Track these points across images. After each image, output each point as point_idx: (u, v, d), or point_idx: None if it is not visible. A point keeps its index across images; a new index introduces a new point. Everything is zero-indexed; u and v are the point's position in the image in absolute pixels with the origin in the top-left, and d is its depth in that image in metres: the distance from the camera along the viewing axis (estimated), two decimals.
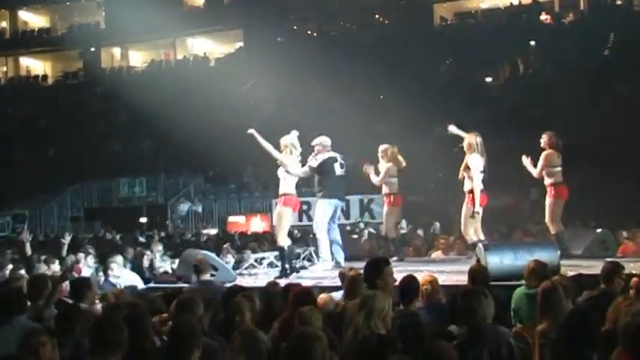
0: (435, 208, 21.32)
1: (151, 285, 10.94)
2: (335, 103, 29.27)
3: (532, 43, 32.31)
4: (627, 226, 15.83)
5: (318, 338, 4.66)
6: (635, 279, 7.03)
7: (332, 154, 12.14)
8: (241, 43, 42.25)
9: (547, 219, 11.60)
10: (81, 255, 12.97)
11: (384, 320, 5.88)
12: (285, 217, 11.52)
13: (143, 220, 27.42)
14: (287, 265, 11.33)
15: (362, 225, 20.73)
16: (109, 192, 29.98)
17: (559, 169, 11.58)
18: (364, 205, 23.67)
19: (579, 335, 5.56)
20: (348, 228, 20.43)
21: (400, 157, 12.84)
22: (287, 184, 11.49)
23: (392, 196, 12.89)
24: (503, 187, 20.00)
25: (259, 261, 12.68)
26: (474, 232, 11.47)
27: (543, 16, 34.71)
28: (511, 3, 36.62)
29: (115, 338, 5.23)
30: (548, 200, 11.57)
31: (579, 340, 5.54)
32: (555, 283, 6.85)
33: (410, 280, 7.22)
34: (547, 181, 11.57)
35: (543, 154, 11.60)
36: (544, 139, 11.68)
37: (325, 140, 12.26)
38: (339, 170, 12.13)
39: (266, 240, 17.82)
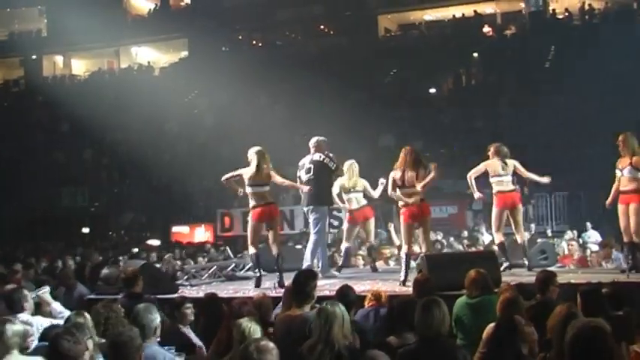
0: (380, 218, 21.40)
1: (92, 296, 10.79)
2: (279, 113, 29.28)
3: (475, 55, 32.70)
4: (569, 234, 16.11)
5: (268, 350, 4.61)
6: (604, 290, 7.11)
7: (305, 158, 12.15)
8: (186, 53, 42.06)
9: (493, 228, 11.69)
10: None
11: (345, 331, 5.86)
12: (251, 230, 11.45)
13: (85, 230, 27.06)
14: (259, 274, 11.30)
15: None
16: (50, 202, 29.54)
17: (502, 178, 11.64)
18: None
19: (507, 346, 5.61)
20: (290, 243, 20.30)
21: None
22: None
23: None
24: (447, 197, 20.22)
25: (201, 271, 12.60)
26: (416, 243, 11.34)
27: (486, 29, 35.17)
28: (454, 15, 37.00)
29: None
30: (494, 210, 11.63)
31: (507, 350, 5.59)
32: (515, 292, 6.91)
33: (346, 291, 7.22)
34: (494, 189, 11.63)
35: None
36: (491, 149, 11.74)
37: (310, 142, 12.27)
38: (303, 175, 12.07)
39: (209, 251, 17.74)
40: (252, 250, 11.38)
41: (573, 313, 5.85)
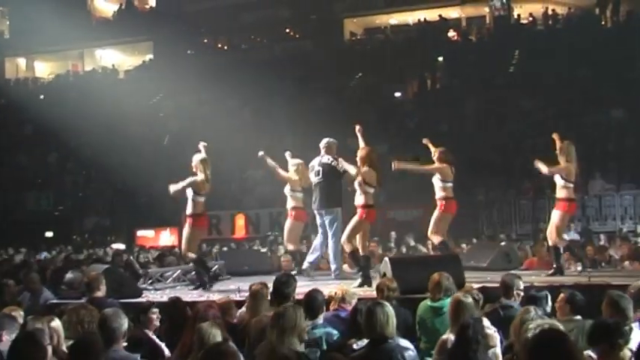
0: (346, 221, 21.41)
1: (54, 301, 10.69)
2: (245, 117, 29.24)
3: (440, 59, 32.87)
4: (535, 239, 16.23)
5: (230, 354, 4.57)
6: (562, 295, 7.15)
7: (315, 160, 12.23)
8: (151, 56, 41.82)
9: (430, 230, 11.72)
10: None
11: (299, 335, 5.86)
12: (193, 238, 11.56)
13: (49, 234, 26.82)
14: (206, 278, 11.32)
15: (272, 238, 20.68)
16: (14, 205, 29.25)
17: (450, 184, 11.71)
18: (274, 218, 23.61)
19: (470, 347, 5.64)
20: (256, 246, 20.27)
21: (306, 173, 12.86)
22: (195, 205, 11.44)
23: (295, 211, 12.90)
24: (411, 200, 20.28)
25: (164, 275, 12.55)
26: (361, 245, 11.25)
27: (451, 33, 35.37)
28: (419, 20, 37.17)
29: None
30: (436, 213, 11.68)
31: (472, 346, 5.61)
32: (465, 295, 6.94)
33: (314, 294, 7.24)
34: (438, 195, 11.67)
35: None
36: (436, 155, 11.79)
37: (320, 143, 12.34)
38: (313, 178, 12.13)
39: (174, 254, 17.63)
40: (193, 255, 11.46)
41: (532, 316, 5.91)
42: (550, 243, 11.18)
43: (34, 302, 10.60)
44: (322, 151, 12.27)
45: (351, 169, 11.41)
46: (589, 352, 5.86)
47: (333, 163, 12.05)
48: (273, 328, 5.88)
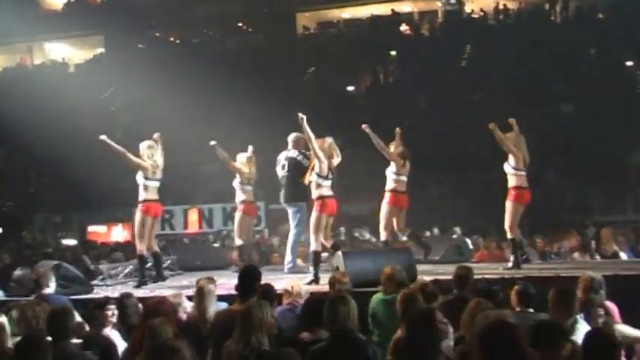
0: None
1: (3, 298, 10.53)
2: (197, 111, 29.05)
3: (393, 53, 32.98)
4: (486, 232, 16.35)
5: (176, 350, 4.53)
6: (515, 287, 7.19)
7: (282, 154, 12.32)
8: (102, 49, 41.34)
9: (381, 226, 11.75)
10: None
11: (268, 332, 5.82)
12: (143, 225, 11.46)
13: None
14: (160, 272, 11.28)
15: (224, 233, 20.60)
16: None
17: (404, 178, 11.75)
18: (227, 213, 23.52)
19: (422, 340, 5.65)
20: (211, 237, 20.31)
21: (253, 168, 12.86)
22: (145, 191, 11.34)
23: (244, 204, 12.85)
24: (366, 194, 20.32)
25: (116, 271, 12.44)
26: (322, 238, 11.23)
27: (403, 27, 35.51)
28: (372, 14, 37.25)
29: None
30: (385, 207, 11.70)
31: (423, 344, 5.62)
32: (415, 289, 6.97)
33: (266, 288, 7.21)
34: (389, 186, 11.70)
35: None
36: (392, 148, 11.83)
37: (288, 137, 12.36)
38: (279, 171, 12.14)
39: (127, 250, 17.48)
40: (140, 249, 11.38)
41: (484, 308, 5.94)
42: (508, 235, 11.15)
43: None
44: (289, 145, 12.31)
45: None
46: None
47: (299, 158, 12.08)
48: (239, 326, 5.83)
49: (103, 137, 11.44)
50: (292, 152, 12.21)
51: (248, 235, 13.14)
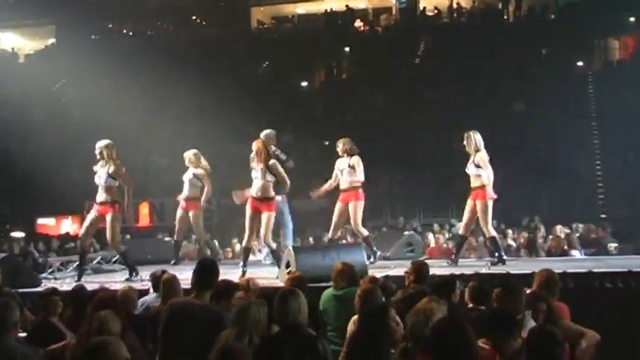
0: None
1: None
2: (149, 104, 28.83)
3: (347, 49, 33.06)
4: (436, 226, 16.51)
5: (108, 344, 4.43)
6: (470, 284, 7.22)
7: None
8: (53, 40, 40.79)
9: (353, 223, 11.78)
10: None
11: (262, 333, 5.78)
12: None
13: None
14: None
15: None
16: None
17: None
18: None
19: (377, 332, 5.68)
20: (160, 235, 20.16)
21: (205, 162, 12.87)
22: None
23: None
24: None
25: (65, 264, 12.33)
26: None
27: (358, 23, 35.62)
28: (326, 10, 37.28)
29: None
30: (355, 203, 11.71)
31: (376, 334, 5.65)
32: (374, 284, 6.98)
33: (226, 284, 7.19)
34: (353, 184, 11.72)
35: (355, 159, 11.71)
36: (340, 147, 11.81)
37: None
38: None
39: (76, 242, 17.32)
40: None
41: (430, 307, 5.95)
42: (486, 235, 11.15)
43: None
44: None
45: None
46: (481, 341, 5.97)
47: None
48: (234, 325, 5.79)
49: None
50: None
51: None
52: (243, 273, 10.20)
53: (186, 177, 12.77)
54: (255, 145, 10.85)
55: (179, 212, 12.91)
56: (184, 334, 6.25)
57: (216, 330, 5.93)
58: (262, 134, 12.10)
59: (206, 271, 6.88)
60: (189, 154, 12.80)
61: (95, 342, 4.21)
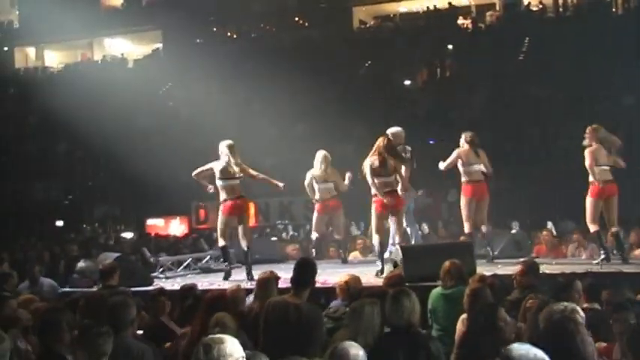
0: (355, 209, 21.38)
1: (66, 289, 10.74)
2: (254, 106, 29.19)
3: (450, 47, 32.74)
4: (542, 227, 16.17)
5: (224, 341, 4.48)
6: (585, 282, 7.10)
7: None
8: (160, 45, 41.75)
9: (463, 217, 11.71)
10: None
11: (375, 334, 5.80)
12: (221, 222, 11.62)
13: (59, 223, 26.89)
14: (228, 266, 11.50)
15: (281, 227, 20.73)
16: (23, 195, 29.29)
17: (476, 167, 11.70)
18: (284, 207, 23.61)
19: (485, 329, 5.62)
20: (268, 230, 20.43)
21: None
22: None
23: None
24: (422, 189, 20.24)
25: (175, 264, 12.58)
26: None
27: (461, 21, 35.20)
28: (429, 7, 37.01)
29: None
30: (463, 199, 11.66)
31: (485, 333, 5.59)
32: (483, 283, 6.92)
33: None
34: (462, 179, 11.69)
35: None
36: (463, 137, 11.83)
37: None
38: None
39: (185, 243, 17.68)
40: (221, 242, 11.47)
41: (544, 304, 5.85)
42: (590, 230, 11.15)
43: (34, 290, 10.66)
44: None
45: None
46: (600, 343, 5.83)
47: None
48: (347, 327, 5.83)
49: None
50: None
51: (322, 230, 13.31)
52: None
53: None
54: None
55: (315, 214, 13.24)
56: (280, 332, 6.35)
57: (310, 328, 5.99)
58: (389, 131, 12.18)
59: (303, 270, 6.94)
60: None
61: (212, 339, 4.28)
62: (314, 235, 13.30)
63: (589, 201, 10.92)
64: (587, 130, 11.05)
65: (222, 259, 12.03)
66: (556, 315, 5.14)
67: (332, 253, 14.48)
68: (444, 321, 7.28)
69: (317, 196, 12.92)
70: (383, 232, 11.04)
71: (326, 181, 12.86)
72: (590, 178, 10.84)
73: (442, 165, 11.89)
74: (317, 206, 13.05)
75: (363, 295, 7.09)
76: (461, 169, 11.72)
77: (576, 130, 12.17)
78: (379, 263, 10.65)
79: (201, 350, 4.17)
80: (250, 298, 7.93)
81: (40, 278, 11.19)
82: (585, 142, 10.98)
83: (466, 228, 11.70)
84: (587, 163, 10.86)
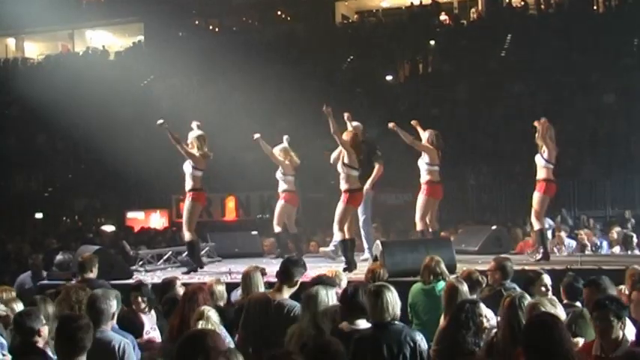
0: (335, 205, 21.39)
1: (44, 282, 10.69)
2: (236, 99, 29.13)
3: (432, 42, 32.78)
4: (522, 223, 16.23)
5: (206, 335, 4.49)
6: (564, 280, 7.14)
7: None
8: (142, 37, 41.58)
9: (417, 216, 11.69)
10: None
11: (332, 317, 5.82)
12: (194, 213, 11.49)
13: (38, 216, 26.74)
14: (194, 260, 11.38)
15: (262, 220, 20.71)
16: (2, 188, 29.11)
17: (437, 168, 11.68)
18: (264, 201, 23.54)
19: (465, 325, 5.65)
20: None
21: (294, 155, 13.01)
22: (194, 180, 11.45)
23: (285, 193, 12.94)
24: (401, 185, 20.28)
25: (155, 257, 12.54)
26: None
27: (443, 17, 35.25)
28: (411, 3, 37.02)
29: None
30: (421, 198, 11.66)
31: (464, 329, 5.63)
32: (459, 280, 6.93)
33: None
34: (423, 178, 11.66)
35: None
36: (425, 137, 11.81)
37: None
38: None
39: (165, 236, 17.64)
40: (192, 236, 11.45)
41: (516, 300, 5.87)
42: (534, 227, 11.24)
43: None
44: None
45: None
46: (578, 339, 5.88)
47: None
48: (304, 311, 5.87)
49: (161, 121, 11.44)
50: None
51: (287, 224, 13.22)
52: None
53: (278, 173, 13.00)
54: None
55: (278, 205, 13.18)
56: (258, 326, 6.49)
57: (289, 324, 6.04)
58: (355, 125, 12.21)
59: (285, 266, 6.98)
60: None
61: (193, 332, 4.28)
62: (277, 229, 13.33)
63: (542, 198, 11.07)
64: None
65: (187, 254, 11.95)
66: (536, 310, 5.20)
67: (312, 248, 14.50)
68: (424, 315, 7.32)
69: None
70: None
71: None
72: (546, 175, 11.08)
73: (410, 138, 11.84)
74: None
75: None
76: (426, 167, 11.66)
77: (557, 126, 12.18)
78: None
79: (186, 343, 4.16)
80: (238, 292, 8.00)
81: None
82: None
83: (419, 226, 11.69)
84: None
